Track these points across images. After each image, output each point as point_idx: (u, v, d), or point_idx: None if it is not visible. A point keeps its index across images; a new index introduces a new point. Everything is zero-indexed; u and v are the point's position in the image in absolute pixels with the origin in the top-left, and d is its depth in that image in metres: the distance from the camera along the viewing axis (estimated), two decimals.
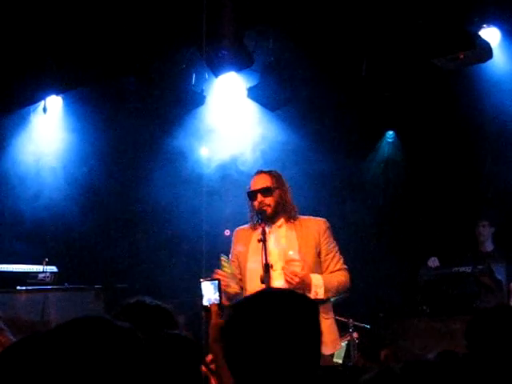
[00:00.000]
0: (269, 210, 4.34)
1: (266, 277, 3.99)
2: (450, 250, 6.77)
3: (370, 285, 7.04)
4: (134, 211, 7.75)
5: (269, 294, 1.95)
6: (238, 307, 1.86)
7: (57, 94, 7.18)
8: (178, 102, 7.16)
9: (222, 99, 7.38)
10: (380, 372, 1.43)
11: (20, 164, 7.26)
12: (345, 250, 4.50)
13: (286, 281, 4.10)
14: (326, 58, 6.71)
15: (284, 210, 4.41)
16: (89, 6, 5.59)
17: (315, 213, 4.66)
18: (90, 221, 7.43)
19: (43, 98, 7.15)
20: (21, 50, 5.85)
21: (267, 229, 4.28)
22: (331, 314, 4.39)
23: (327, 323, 4.23)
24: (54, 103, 7.35)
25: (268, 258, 4.08)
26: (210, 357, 2.47)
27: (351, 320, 6.38)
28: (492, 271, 6.17)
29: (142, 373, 1.46)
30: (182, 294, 6.38)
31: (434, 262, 6.44)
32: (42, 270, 5.96)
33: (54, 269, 6.08)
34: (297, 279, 4.08)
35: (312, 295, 4.08)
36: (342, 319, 6.12)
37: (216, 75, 6.60)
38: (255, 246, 4.30)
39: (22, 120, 7.37)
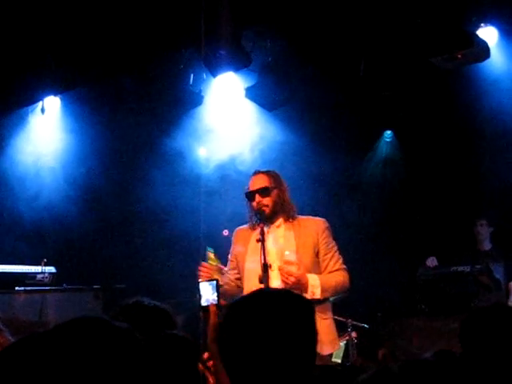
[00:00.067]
0: (267, 211, 4.34)
1: (264, 277, 3.99)
2: (448, 250, 6.77)
3: (368, 284, 7.04)
4: (132, 211, 7.75)
5: (264, 294, 1.95)
6: (233, 307, 1.87)
7: (55, 94, 7.19)
8: (176, 102, 7.16)
9: (220, 99, 7.38)
10: (377, 371, 1.43)
11: (18, 164, 7.25)
12: (343, 250, 4.49)
13: (283, 281, 4.09)
14: (323, 58, 6.72)
15: (283, 210, 4.41)
16: (87, 6, 5.59)
17: (313, 212, 4.67)
18: (88, 221, 7.42)
19: (41, 98, 7.16)
20: (18, 50, 5.85)
21: (266, 229, 4.29)
22: (330, 314, 4.37)
23: (325, 323, 4.22)
24: (52, 104, 7.35)
25: (266, 257, 4.08)
26: (206, 354, 2.47)
27: (350, 320, 6.38)
28: (490, 270, 6.18)
29: (141, 373, 1.46)
30: (181, 293, 6.38)
31: (432, 261, 6.45)
32: (40, 271, 5.96)
33: (52, 269, 6.08)
34: (292, 279, 4.07)
35: (309, 295, 4.06)
36: (341, 319, 6.12)
37: (214, 75, 6.59)
38: (254, 246, 4.30)
39: (21, 120, 7.37)
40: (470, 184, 7.42)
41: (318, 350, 3.51)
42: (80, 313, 1.61)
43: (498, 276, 6.26)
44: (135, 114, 7.35)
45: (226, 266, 4.52)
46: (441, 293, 6.33)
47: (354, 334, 6.36)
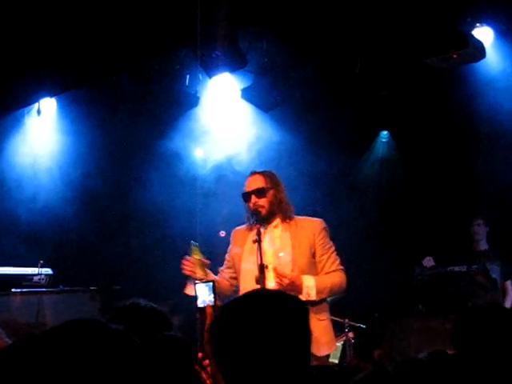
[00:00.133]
0: (263, 212, 4.33)
1: (261, 277, 3.98)
2: (444, 250, 6.78)
3: (365, 284, 7.04)
4: (128, 212, 7.74)
5: (258, 295, 1.95)
6: (226, 308, 1.87)
7: (51, 96, 7.18)
8: (173, 103, 7.17)
9: (216, 100, 7.38)
10: (373, 372, 1.44)
11: (15, 166, 7.25)
12: (340, 250, 4.46)
13: (277, 283, 4.07)
14: (319, 59, 6.73)
15: (279, 210, 4.38)
16: (82, 8, 5.58)
17: (310, 213, 4.66)
18: (84, 222, 7.42)
19: (37, 100, 7.15)
20: (14, 51, 5.84)
21: (262, 229, 4.28)
22: (326, 315, 4.34)
23: (322, 325, 4.20)
24: (48, 105, 7.35)
25: (263, 258, 4.07)
26: (200, 354, 2.47)
27: (347, 320, 6.38)
28: (487, 270, 6.20)
29: (137, 375, 1.46)
30: (177, 294, 6.35)
31: (429, 261, 6.45)
32: (37, 273, 5.95)
33: (49, 271, 6.07)
34: (286, 281, 4.05)
35: (304, 297, 4.04)
36: (338, 319, 6.12)
37: (210, 76, 6.61)
38: (250, 247, 4.29)
39: (17, 122, 7.37)
40: (466, 184, 7.43)
41: (315, 350, 3.55)
42: (77, 314, 1.61)
43: (494, 276, 6.27)
44: (131, 116, 7.35)
45: (212, 261, 4.54)
46: (437, 293, 6.34)
47: (351, 335, 6.36)
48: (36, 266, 5.98)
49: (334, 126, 7.68)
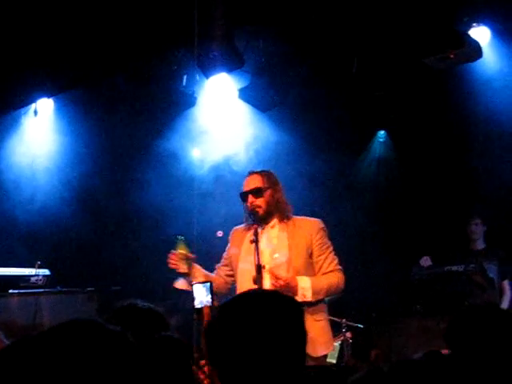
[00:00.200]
0: (260, 211, 4.32)
1: (258, 278, 3.98)
2: (442, 249, 6.78)
3: (362, 284, 7.03)
4: (126, 213, 7.74)
5: (253, 295, 1.95)
6: (222, 308, 1.87)
7: (48, 96, 7.18)
8: (170, 104, 7.16)
9: (214, 100, 7.38)
10: (368, 372, 1.44)
11: (12, 166, 7.24)
12: (337, 250, 4.45)
13: (272, 284, 4.06)
14: (316, 58, 6.73)
15: (277, 210, 4.38)
16: (79, 8, 5.58)
17: (308, 212, 4.65)
18: (82, 223, 7.41)
19: (34, 100, 7.15)
20: (10, 52, 5.83)
21: (260, 229, 4.28)
22: (324, 316, 4.32)
23: (318, 325, 4.20)
24: (45, 106, 7.34)
25: (260, 258, 4.07)
26: (196, 355, 2.48)
27: (344, 320, 6.38)
28: (484, 270, 6.20)
29: (134, 376, 1.46)
30: (175, 295, 6.37)
31: (426, 261, 6.46)
32: (34, 273, 5.94)
33: (46, 272, 6.07)
34: (281, 282, 4.04)
35: (299, 298, 4.02)
36: (336, 319, 6.12)
37: (207, 76, 6.60)
38: (247, 247, 4.30)
39: (14, 123, 7.36)
40: (464, 183, 7.44)
41: (311, 351, 3.55)
42: (74, 315, 1.61)
43: (491, 275, 6.27)
44: (128, 116, 7.35)
45: (210, 261, 4.57)
46: (435, 292, 6.34)
47: (348, 335, 6.35)
48: (33, 267, 5.97)
49: (331, 125, 7.68)
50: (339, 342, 6.32)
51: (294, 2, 5.91)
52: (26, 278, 5.92)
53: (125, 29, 5.92)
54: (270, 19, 6.13)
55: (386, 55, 6.45)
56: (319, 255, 4.31)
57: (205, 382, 2.48)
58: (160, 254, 7.48)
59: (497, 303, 6.19)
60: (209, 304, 2.97)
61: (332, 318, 5.47)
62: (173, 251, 4.30)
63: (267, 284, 4.09)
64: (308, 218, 4.48)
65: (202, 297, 3.04)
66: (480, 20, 6.20)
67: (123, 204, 7.70)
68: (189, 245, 4.34)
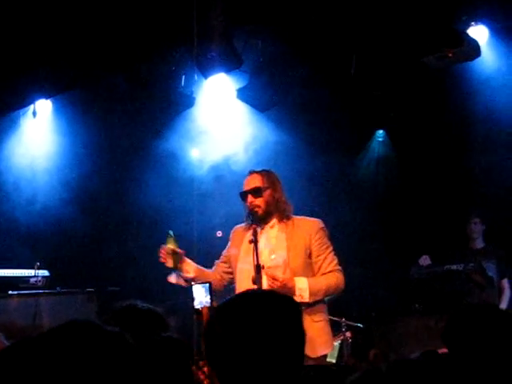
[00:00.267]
0: (259, 211, 4.31)
1: (257, 278, 3.98)
2: (441, 248, 6.79)
3: (362, 284, 7.04)
4: (125, 214, 7.74)
5: (251, 295, 1.95)
6: (220, 308, 1.88)
7: (46, 97, 7.18)
8: (168, 104, 7.16)
9: (212, 100, 7.38)
10: (366, 372, 1.44)
11: (11, 168, 7.24)
12: (337, 249, 4.43)
13: (269, 285, 4.04)
14: (315, 58, 6.72)
15: (277, 210, 4.36)
16: (78, 9, 5.57)
17: (307, 212, 4.64)
18: (81, 224, 7.40)
19: (32, 101, 7.15)
20: (8, 53, 5.83)
21: (259, 229, 4.28)
22: (323, 316, 4.30)
23: (317, 326, 4.17)
24: (44, 107, 7.34)
25: (259, 258, 4.06)
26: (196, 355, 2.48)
27: (344, 319, 6.38)
28: (483, 269, 6.20)
29: (133, 377, 1.46)
30: (175, 295, 6.37)
31: (425, 260, 6.46)
32: (33, 275, 5.95)
33: (45, 273, 6.07)
34: (278, 283, 4.03)
35: (297, 299, 3.99)
36: (335, 318, 6.12)
37: (205, 77, 6.60)
38: (247, 247, 4.29)
39: (12, 124, 7.36)
40: (463, 182, 7.44)
41: (309, 352, 3.54)
42: (74, 316, 1.61)
43: (490, 274, 6.27)
44: (127, 116, 7.35)
45: (209, 262, 4.60)
46: (434, 291, 6.34)
47: (348, 334, 6.35)
48: (33, 268, 5.98)
49: (330, 125, 7.68)
50: (339, 342, 6.32)
51: (293, 2, 5.91)
52: (26, 279, 5.93)
53: (123, 29, 5.92)
54: (269, 19, 6.13)
55: (384, 54, 6.45)
56: (318, 255, 4.29)
57: (204, 382, 2.48)
58: (159, 255, 7.50)
59: (496, 302, 6.20)
60: (208, 304, 2.97)
61: (332, 317, 5.46)
62: (162, 246, 4.34)
63: (266, 284, 4.08)
64: (308, 218, 4.46)
65: (201, 297, 3.05)
66: (478, 19, 6.20)
67: (122, 205, 7.70)
68: (177, 240, 4.41)
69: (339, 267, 4.35)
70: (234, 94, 7.20)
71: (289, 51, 6.74)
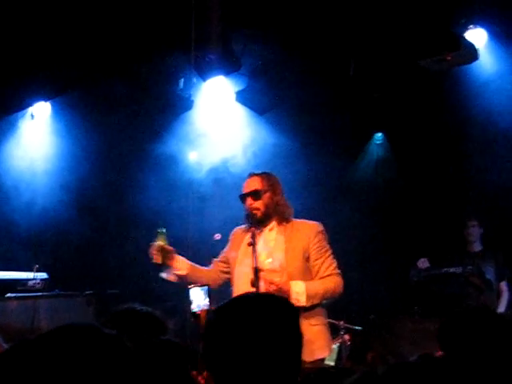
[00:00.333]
0: (258, 214, 4.31)
1: (256, 281, 3.97)
2: (439, 251, 6.79)
3: (361, 286, 7.04)
4: (124, 216, 7.74)
5: (247, 299, 1.95)
6: (217, 312, 1.88)
7: (44, 100, 7.18)
8: (167, 107, 7.16)
9: (211, 103, 7.38)
10: (362, 375, 1.44)
11: (10, 170, 7.24)
12: (335, 252, 4.41)
13: (265, 289, 4.01)
14: (313, 61, 6.73)
15: (276, 213, 4.35)
16: (75, 11, 5.57)
17: (306, 215, 4.63)
18: (79, 226, 7.40)
19: (31, 104, 7.14)
20: (7, 56, 5.83)
21: (258, 232, 4.28)
22: (321, 320, 4.28)
23: (314, 330, 4.14)
24: (42, 109, 7.34)
25: (258, 261, 4.05)
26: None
27: (342, 322, 6.37)
28: (482, 271, 6.21)
29: (130, 381, 1.46)
30: (173, 298, 6.37)
31: (423, 262, 6.47)
32: (32, 277, 5.94)
33: (44, 275, 6.06)
34: (274, 287, 4.01)
35: (293, 302, 3.99)
36: (334, 321, 6.11)
37: (204, 79, 6.61)
38: (245, 250, 4.28)
39: (10, 126, 7.36)
40: (461, 185, 7.44)
41: (307, 355, 3.50)
42: (72, 319, 1.62)
43: (489, 277, 6.29)
44: (126, 119, 7.35)
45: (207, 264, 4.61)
46: (433, 294, 6.35)
47: (347, 337, 6.34)
48: (31, 271, 5.97)
49: (328, 128, 7.68)
50: (337, 345, 6.31)
51: (291, 6, 5.91)
52: (24, 281, 5.92)
53: (121, 32, 5.92)
54: (267, 22, 6.14)
55: (382, 57, 6.45)
56: (316, 259, 4.27)
57: (200, 379, 2.48)
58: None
59: (494, 305, 6.21)
60: (206, 307, 2.97)
61: (330, 320, 5.46)
62: (152, 243, 4.40)
63: (264, 287, 4.08)
64: (308, 221, 4.43)
65: (199, 300, 3.04)
66: (476, 22, 6.20)
67: (121, 207, 7.70)
68: (167, 237, 4.46)
69: (338, 271, 4.33)
70: (233, 96, 7.20)
71: (287, 54, 6.75)
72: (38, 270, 6.00)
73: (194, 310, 3.00)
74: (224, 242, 4.70)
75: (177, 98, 7.16)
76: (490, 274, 6.31)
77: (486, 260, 6.45)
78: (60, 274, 6.53)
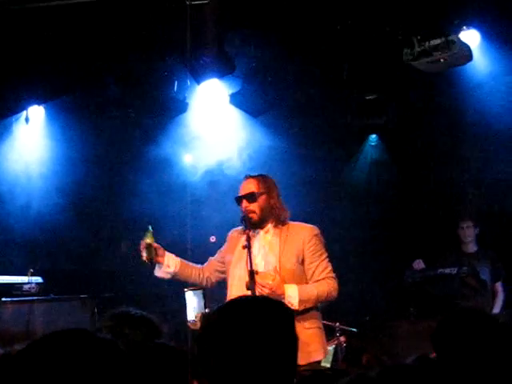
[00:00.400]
0: (254, 217, 4.29)
1: (251, 283, 3.96)
2: (434, 252, 6.80)
3: (356, 288, 7.05)
4: (119, 220, 7.73)
5: (242, 302, 1.95)
6: (212, 315, 1.88)
7: (39, 103, 7.17)
8: (161, 110, 7.16)
9: (205, 106, 7.38)
10: (355, 377, 1.44)
11: (5, 174, 7.23)
12: (330, 254, 4.39)
13: (258, 292, 3.98)
14: (307, 63, 6.74)
15: (272, 216, 4.34)
16: (70, 15, 5.57)
17: (300, 217, 4.62)
18: (74, 230, 7.40)
19: (25, 107, 7.13)
20: (1, 60, 5.82)
21: (254, 234, 4.27)
22: (316, 324, 4.26)
23: (308, 333, 4.12)
24: (37, 113, 7.33)
25: (253, 264, 4.04)
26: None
27: (338, 324, 6.37)
28: (477, 272, 6.22)
29: None
30: (169, 301, 6.37)
31: (418, 264, 6.47)
32: (27, 281, 5.92)
33: (39, 279, 6.05)
34: (266, 290, 4.00)
35: None
36: (329, 323, 6.11)
37: (198, 82, 6.60)
38: (240, 252, 4.27)
39: (5, 130, 7.35)
40: (455, 186, 7.46)
41: (302, 358, 3.52)
42: (68, 323, 1.62)
43: (484, 277, 6.30)
44: (120, 122, 7.35)
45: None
46: (428, 295, 6.35)
47: (342, 339, 6.34)
48: (26, 275, 5.96)
49: (323, 130, 7.70)
50: (333, 346, 6.31)
51: (285, 8, 5.92)
52: (19, 285, 5.90)
53: (115, 35, 5.92)
54: (261, 24, 6.14)
55: (376, 59, 6.46)
56: (311, 262, 4.25)
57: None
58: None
59: (490, 305, 6.23)
60: (202, 310, 2.97)
61: (325, 322, 5.46)
62: (142, 240, 4.41)
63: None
64: (304, 224, 4.41)
65: (194, 304, 3.04)
66: (470, 23, 6.21)
67: (116, 210, 7.69)
68: (154, 234, 4.44)
69: (332, 274, 4.31)
70: (227, 99, 7.20)
71: (282, 56, 6.75)
72: (33, 274, 5.99)
73: (189, 314, 3.00)
74: (219, 245, 4.70)
75: (171, 100, 7.16)
76: (485, 275, 6.32)
77: (481, 261, 6.46)
78: (55, 277, 6.52)
